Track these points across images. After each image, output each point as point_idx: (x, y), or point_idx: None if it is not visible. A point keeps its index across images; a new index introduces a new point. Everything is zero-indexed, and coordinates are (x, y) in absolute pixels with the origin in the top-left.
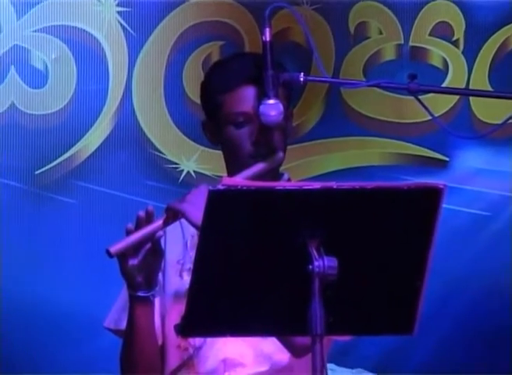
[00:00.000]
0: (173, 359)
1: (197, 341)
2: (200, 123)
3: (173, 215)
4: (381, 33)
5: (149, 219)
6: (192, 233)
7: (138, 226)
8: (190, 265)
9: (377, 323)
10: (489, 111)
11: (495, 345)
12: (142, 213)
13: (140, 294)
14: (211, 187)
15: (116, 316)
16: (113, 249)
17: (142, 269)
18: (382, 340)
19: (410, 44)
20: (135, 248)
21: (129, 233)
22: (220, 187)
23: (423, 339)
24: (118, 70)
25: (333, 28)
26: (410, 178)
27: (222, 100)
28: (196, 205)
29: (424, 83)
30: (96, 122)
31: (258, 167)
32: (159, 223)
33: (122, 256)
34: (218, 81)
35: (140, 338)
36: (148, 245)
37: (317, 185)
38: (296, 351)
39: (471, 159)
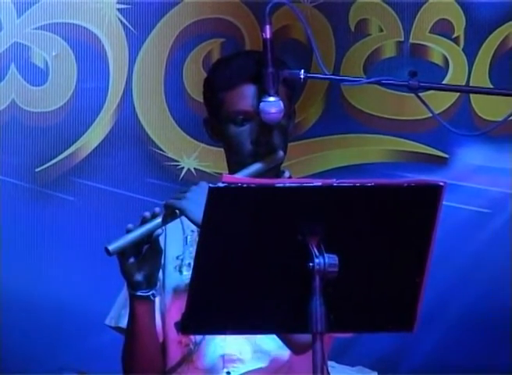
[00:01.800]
0: (174, 355)
1: (197, 336)
2: (202, 120)
3: (173, 213)
4: (381, 30)
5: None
6: (192, 229)
7: None
8: (189, 260)
9: (377, 321)
10: (490, 108)
11: (495, 344)
12: (148, 214)
13: (140, 293)
14: (211, 185)
15: (117, 313)
16: (111, 247)
17: (141, 267)
18: (382, 337)
19: (411, 41)
20: (134, 247)
21: (129, 232)
22: (220, 184)
23: (423, 337)
24: (118, 68)
25: (334, 25)
26: (410, 175)
27: (223, 98)
28: (196, 202)
29: (424, 80)
30: (96, 119)
31: (257, 166)
32: (158, 220)
33: (122, 255)
34: (220, 79)
35: (142, 337)
36: (148, 244)
37: (317, 182)
38: (296, 349)
39: (471, 156)
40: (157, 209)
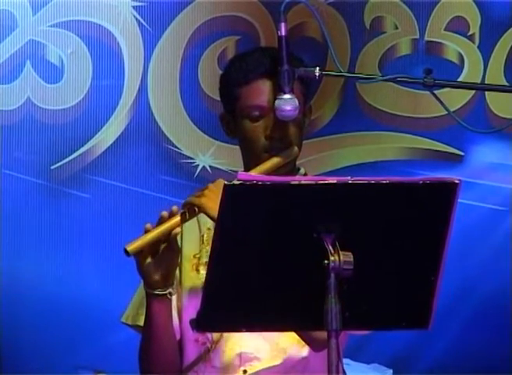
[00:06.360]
0: (191, 353)
1: (214, 335)
2: (218, 116)
3: (192, 210)
4: (396, 27)
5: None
6: (209, 227)
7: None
8: (206, 259)
9: (392, 318)
10: (505, 105)
11: None
12: (166, 214)
13: (158, 292)
14: (226, 182)
15: (134, 311)
16: (130, 248)
17: (159, 267)
18: (397, 335)
19: (426, 38)
20: (152, 246)
21: (147, 232)
22: (235, 181)
23: (439, 335)
24: (133, 65)
25: (349, 23)
26: (426, 173)
27: (238, 93)
28: (214, 199)
29: (439, 77)
30: (111, 117)
31: (273, 162)
32: (177, 219)
33: (139, 254)
34: (236, 74)
35: (159, 335)
36: (165, 243)
37: (332, 180)
38: (315, 345)
39: (487, 154)
40: (174, 208)
